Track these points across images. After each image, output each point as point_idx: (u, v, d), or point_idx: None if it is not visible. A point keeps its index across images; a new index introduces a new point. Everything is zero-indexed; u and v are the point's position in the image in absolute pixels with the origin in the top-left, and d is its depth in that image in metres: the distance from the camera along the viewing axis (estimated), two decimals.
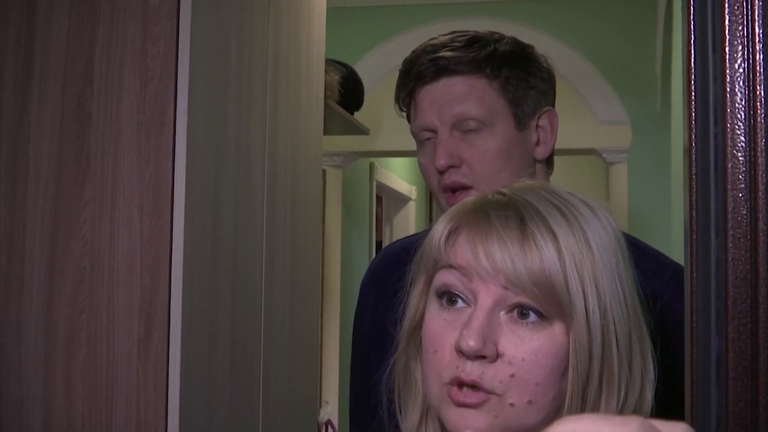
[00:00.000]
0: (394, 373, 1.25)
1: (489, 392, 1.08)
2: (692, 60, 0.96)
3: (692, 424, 0.94)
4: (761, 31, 0.90)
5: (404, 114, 1.81)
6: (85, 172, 2.11)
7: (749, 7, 0.91)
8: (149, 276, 2.07)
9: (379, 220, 7.54)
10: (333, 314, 5.89)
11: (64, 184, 2.12)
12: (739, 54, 0.92)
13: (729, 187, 0.91)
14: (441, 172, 1.69)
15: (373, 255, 6.77)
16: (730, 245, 0.91)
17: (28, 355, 2.11)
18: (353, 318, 1.91)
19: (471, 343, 1.06)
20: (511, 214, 1.11)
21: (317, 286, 3.19)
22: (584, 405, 1.09)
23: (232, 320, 2.37)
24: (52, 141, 2.13)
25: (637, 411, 1.13)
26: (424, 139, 1.74)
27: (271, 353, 2.64)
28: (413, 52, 1.76)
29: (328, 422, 4.91)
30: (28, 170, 2.13)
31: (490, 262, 1.08)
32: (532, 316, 1.08)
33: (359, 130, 4.54)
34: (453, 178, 1.69)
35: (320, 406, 5.09)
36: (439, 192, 1.73)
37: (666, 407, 1.20)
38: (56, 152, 2.13)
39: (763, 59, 0.90)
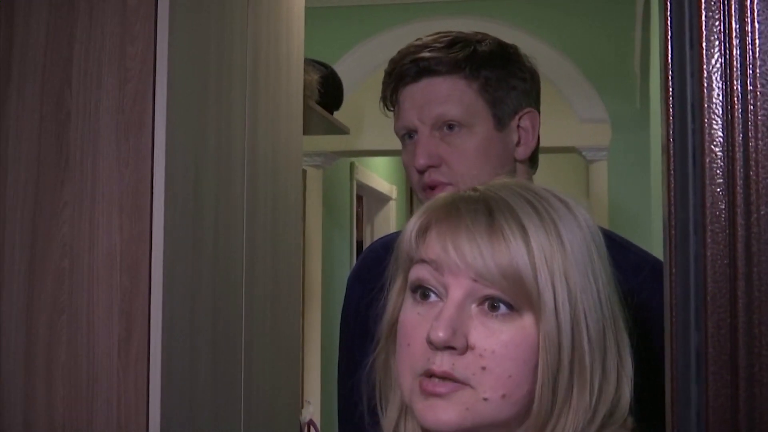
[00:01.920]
0: (374, 370, 1.26)
1: (462, 383, 1.09)
2: (669, 56, 0.97)
3: (672, 419, 0.95)
4: (737, 26, 0.91)
5: (391, 113, 1.82)
6: (64, 172, 2.11)
7: (726, 2, 0.91)
8: (129, 277, 2.07)
9: (359, 220, 7.54)
10: (314, 314, 5.89)
11: (42, 185, 2.11)
12: (716, 49, 0.92)
13: (707, 182, 0.91)
14: (421, 172, 1.71)
15: (354, 255, 6.78)
16: (709, 240, 0.91)
17: (8, 356, 2.10)
18: (340, 315, 1.92)
19: (440, 334, 1.08)
20: (480, 207, 1.12)
21: (298, 286, 3.19)
22: (555, 398, 1.10)
23: (213, 320, 2.37)
24: (31, 142, 2.12)
25: (614, 406, 1.14)
26: (407, 138, 1.76)
27: (252, 353, 2.64)
28: (399, 52, 1.78)
29: (311, 422, 4.91)
30: (6, 171, 2.12)
31: (460, 255, 1.10)
32: (503, 309, 1.10)
33: (339, 129, 4.54)
34: (432, 177, 1.71)
35: (302, 406, 5.09)
36: (419, 190, 1.75)
37: (648, 403, 1.21)
38: (35, 153, 2.12)
39: (739, 54, 0.91)
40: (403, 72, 1.74)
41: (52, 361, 2.08)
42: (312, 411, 5.44)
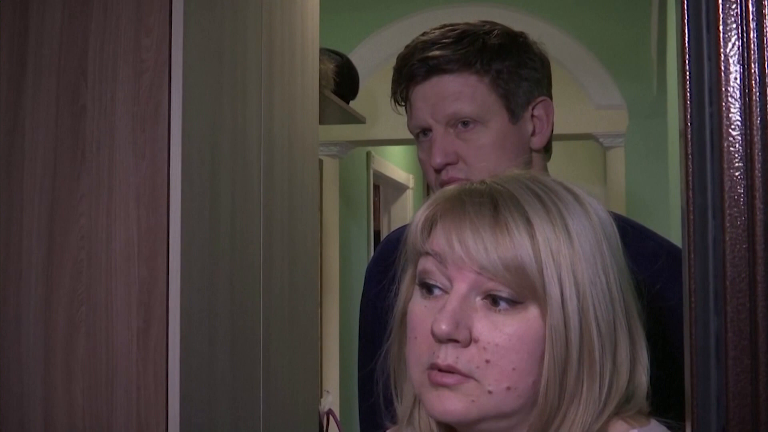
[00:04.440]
0: (388, 360, 1.27)
1: (466, 376, 1.09)
2: (686, 40, 0.96)
3: (692, 405, 0.94)
4: (754, 9, 0.90)
5: (401, 108, 1.81)
6: (80, 165, 2.11)
7: None
8: (147, 268, 2.07)
9: (376, 209, 7.53)
10: (332, 304, 5.89)
11: (59, 177, 2.12)
12: (733, 33, 0.91)
13: (725, 166, 0.91)
14: (438, 170, 1.70)
15: (372, 244, 6.77)
16: (728, 225, 0.90)
17: (27, 349, 2.11)
18: (358, 304, 1.92)
19: (443, 327, 1.08)
20: (485, 200, 1.12)
21: (316, 276, 3.19)
22: (563, 391, 1.10)
23: (231, 311, 2.37)
24: (47, 134, 2.13)
25: (630, 395, 1.14)
26: (421, 136, 1.75)
27: (270, 343, 2.64)
28: (406, 47, 1.76)
29: (330, 412, 4.91)
30: (23, 164, 2.13)
31: (464, 249, 1.10)
32: (507, 302, 1.09)
33: (355, 119, 4.54)
34: (450, 174, 1.70)
35: (321, 396, 5.10)
36: (437, 187, 1.74)
37: (665, 389, 1.20)
38: (51, 145, 2.13)
39: (756, 37, 0.90)
40: (413, 71, 1.71)
41: (71, 353, 2.09)
42: (331, 401, 5.44)
